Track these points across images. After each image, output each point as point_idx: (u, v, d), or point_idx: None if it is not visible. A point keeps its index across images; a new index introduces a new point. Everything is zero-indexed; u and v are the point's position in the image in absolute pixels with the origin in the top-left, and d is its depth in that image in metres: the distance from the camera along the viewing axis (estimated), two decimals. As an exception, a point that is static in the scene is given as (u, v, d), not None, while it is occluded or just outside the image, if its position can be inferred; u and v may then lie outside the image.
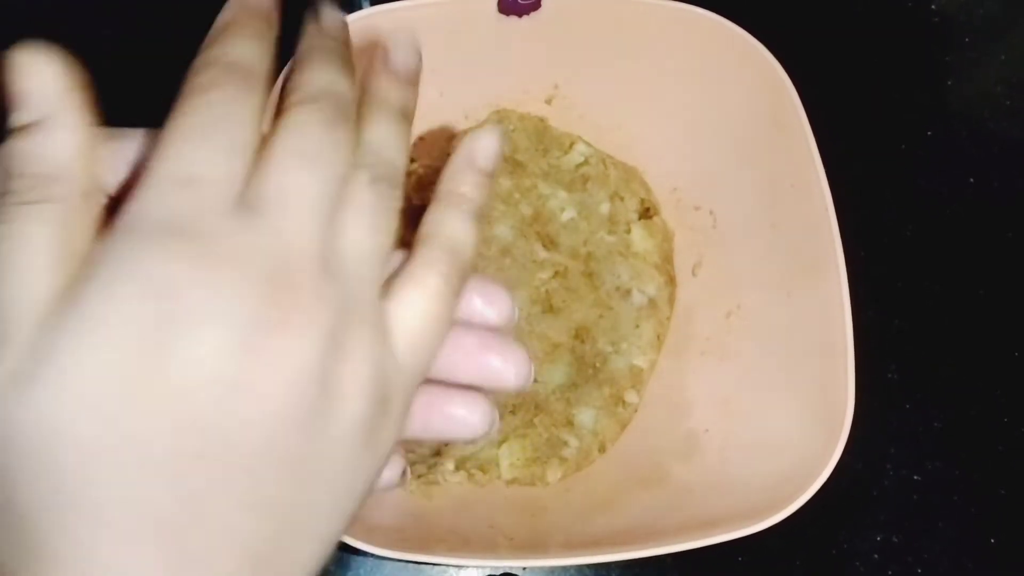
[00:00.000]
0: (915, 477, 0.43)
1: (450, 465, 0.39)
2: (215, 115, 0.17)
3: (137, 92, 0.48)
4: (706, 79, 0.41)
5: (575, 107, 0.46)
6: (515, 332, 0.42)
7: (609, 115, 0.46)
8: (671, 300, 0.44)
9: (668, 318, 0.44)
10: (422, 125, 0.45)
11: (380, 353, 0.18)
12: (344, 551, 0.39)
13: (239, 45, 0.18)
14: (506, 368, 0.21)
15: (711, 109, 0.42)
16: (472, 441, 0.22)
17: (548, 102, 0.46)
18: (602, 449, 0.41)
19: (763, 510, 0.32)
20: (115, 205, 0.17)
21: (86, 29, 0.49)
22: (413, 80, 0.22)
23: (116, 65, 0.49)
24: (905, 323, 0.46)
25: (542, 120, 0.46)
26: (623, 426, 0.42)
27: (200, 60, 0.18)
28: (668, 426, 0.41)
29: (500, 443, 0.40)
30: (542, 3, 0.39)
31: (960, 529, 0.43)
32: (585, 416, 0.41)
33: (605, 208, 0.45)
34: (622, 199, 0.45)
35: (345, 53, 0.20)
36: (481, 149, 0.22)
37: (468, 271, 0.20)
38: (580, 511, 0.38)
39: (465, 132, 0.46)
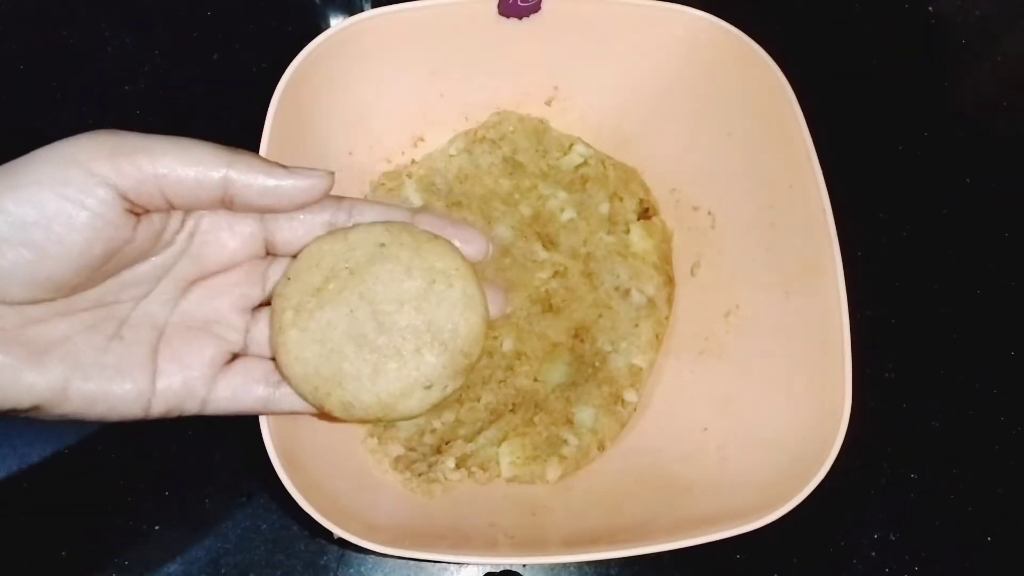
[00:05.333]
0: (912, 475, 0.43)
1: (451, 463, 0.39)
2: None
3: (136, 90, 0.49)
4: (704, 80, 0.41)
5: (574, 108, 0.46)
6: (515, 331, 0.43)
7: (609, 116, 0.46)
8: (670, 300, 0.44)
9: (667, 318, 0.44)
10: (423, 126, 0.46)
11: None
12: (345, 548, 0.40)
13: None
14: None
15: (710, 110, 0.42)
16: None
17: (548, 103, 0.46)
18: (601, 447, 0.41)
19: (761, 508, 0.32)
20: None
21: (86, 29, 0.50)
22: None
23: (115, 64, 0.49)
24: (902, 322, 0.46)
25: (542, 121, 0.47)
26: (622, 425, 0.42)
27: None
28: (667, 425, 0.41)
29: (500, 441, 0.40)
30: (542, 5, 0.40)
31: (958, 528, 0.43)
32: (585, 415, 0.41)
33: (604, 208, 0.45)
34: (621, 199, 0.46)
35: None
36: None
37: None
38: (580, 509, 0.38)
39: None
